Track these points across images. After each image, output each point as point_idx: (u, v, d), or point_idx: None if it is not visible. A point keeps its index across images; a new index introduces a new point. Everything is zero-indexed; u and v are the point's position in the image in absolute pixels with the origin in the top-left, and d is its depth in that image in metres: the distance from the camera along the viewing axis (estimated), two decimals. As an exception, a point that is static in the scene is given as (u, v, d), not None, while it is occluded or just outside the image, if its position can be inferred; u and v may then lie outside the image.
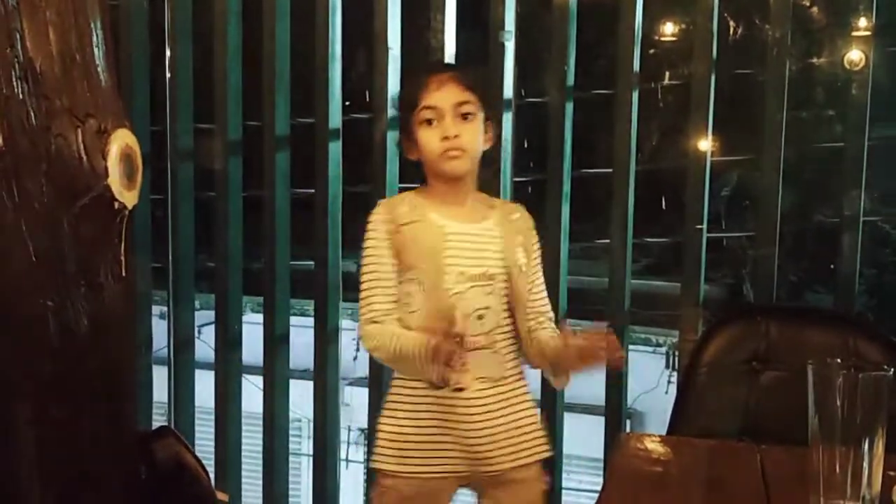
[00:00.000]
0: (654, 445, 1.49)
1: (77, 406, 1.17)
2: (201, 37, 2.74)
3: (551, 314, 1.88)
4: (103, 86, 1.17)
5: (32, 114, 1.12)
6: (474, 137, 1.78)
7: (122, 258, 1.17)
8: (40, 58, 1.10)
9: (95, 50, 1.16)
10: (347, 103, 2.71)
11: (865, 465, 1.09)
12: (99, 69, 1.17)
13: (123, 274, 1.18)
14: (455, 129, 1.75)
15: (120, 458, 1.28)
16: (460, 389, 1.75)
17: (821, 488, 1.12)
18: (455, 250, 1.77)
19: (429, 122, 1.76)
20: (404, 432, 1.78)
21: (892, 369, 1.07)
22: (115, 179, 1.15)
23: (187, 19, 2.73)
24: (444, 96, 1.76)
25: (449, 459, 1.76)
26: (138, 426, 1.37)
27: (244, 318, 2.86)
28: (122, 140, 1.17)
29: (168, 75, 2.77)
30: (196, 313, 2.93)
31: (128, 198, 1.18)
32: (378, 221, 1.80)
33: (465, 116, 1.77)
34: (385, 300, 1.77)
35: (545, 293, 1.88)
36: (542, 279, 1.88)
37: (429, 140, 1.76)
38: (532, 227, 1.88)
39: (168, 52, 2.76)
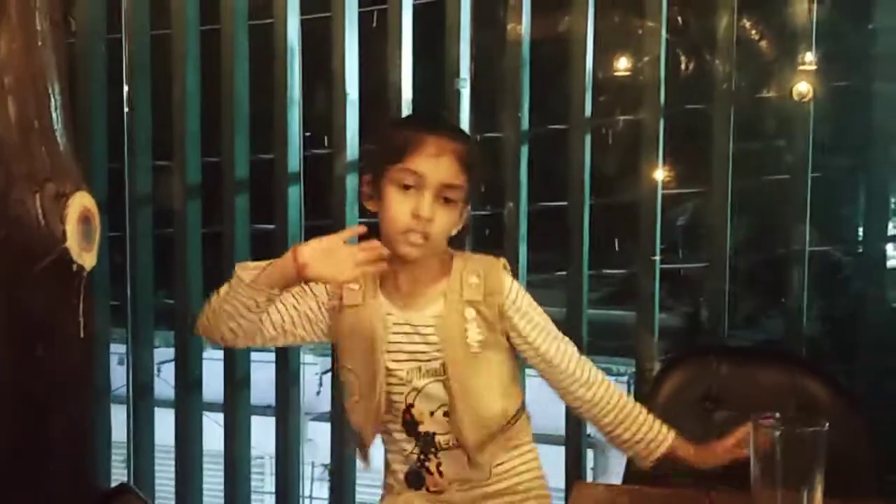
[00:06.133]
0: (607, 494, 1.52)
1: (37, 468, 1.17)
2: (160, 76, 2.75)
3: (581, 361, 1.62)
4: (61, 150, 1.19)
5: (-9, 180, 1.13)
6: (446, 227, 1.52)
7: (81, 318, 1.18)
8: (-1, 125, 1.12)
9: (54, 114, 1.18)
10: (308, 134, 2.73)
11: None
12: (57, 134, 1.19)
13: (82, 334, 1.19)
14: (431, 210, 1.48)
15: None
16: (439, 492, 1.59)
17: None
18: (404, 342, 1.55)
19: (405, 187, 1.48)
20: None
21: (827, 423, 1.12)
22: (73, 242, 1.17)
23: (145, 58, 2.74)
24: (437, 169, 1.47)
25: None
26: (98, 483, 1.37)
27: (207, 355, 2.85)
28: (80, 203, 1.19)
29: (126, 109, 2.77)
30: (156, 350, 2.92)
31: (86, 259, 1.19)
32: (323, 290, 1.59)
33: (446, 200, 1.50)
34: None
35: (562, 344, 1.61)
36: (545, 334, 1.60)
37: (397, 209, 1.49)
38: (504, 290, 1.57)
39: (126, 88, 2.75)
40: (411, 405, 1.56)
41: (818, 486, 1.15)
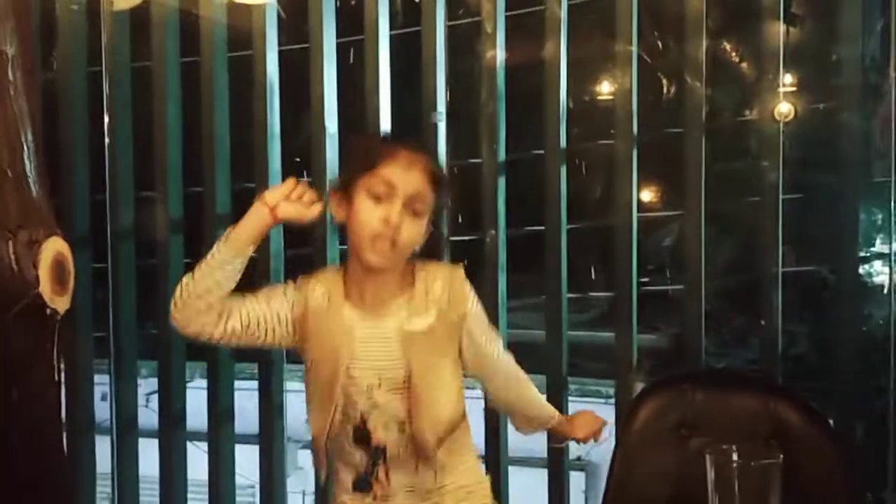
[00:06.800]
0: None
1: (10, 513, 1.18)
2: (141, 108, 2.77)
3: (510, 361, 1.73)
4: (35, 196, 1.21)
5: (-36, 227, 1.14)
6: (413, 238, 1.55)
7: (56, 363, 1.20)
8: (-29, 175, 1.13)
9: (27, 162, 1.20)
10: (298, 159, 2.75)
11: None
12: (30, 181, 1.20)
13: (56, 378, 1.21)
14: (400, 217, 1.52)
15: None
16: (385, 497, 1.61)
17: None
18: (367, 352, 1.58)
19: (376, 196, 1.52)
20: None
21: (782, 455, 1.16)
22: (46, 287, 1.18)
23: (126, 91, 2.76)
24: (408, 179, 1.53)
25: None
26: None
27: (193, 384, 2.87)
28: (53, 248, 1.20)
29: (108, 141, 2.79)
30: (143, 381, 2.93)
31: (59, 303, 1.21)
32: (291, 290, 1.61)
33: (414, 212, 1.54)
34: None
35: (499, 346, 1.70)
36: (489, 340, 1.68)
37: (367, 216, 1.52)
38: (467, 298, 1.62)
39: (107, 120, 2.77)
40: (366, 419, 1.58)
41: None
